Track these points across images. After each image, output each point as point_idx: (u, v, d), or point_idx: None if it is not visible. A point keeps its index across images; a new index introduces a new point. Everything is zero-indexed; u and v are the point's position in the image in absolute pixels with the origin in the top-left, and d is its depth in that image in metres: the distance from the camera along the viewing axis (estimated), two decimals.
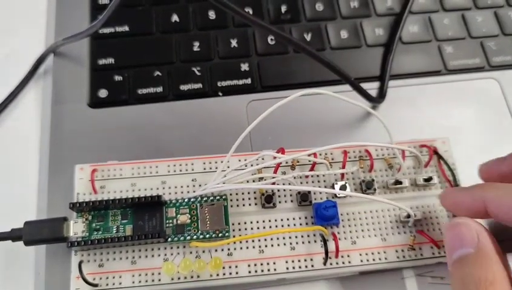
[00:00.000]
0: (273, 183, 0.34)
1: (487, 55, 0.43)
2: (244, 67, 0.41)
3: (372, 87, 0.41)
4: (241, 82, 0.40)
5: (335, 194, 0.34)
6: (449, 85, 0.42)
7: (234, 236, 0.33)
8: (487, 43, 0.44)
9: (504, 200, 0.26)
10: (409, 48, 0.43)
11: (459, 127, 0.39)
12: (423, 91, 0.41)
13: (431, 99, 0.41)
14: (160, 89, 0.39)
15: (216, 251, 0.32)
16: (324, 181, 0.35)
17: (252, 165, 0.33)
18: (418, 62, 0.43)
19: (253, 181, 0.34)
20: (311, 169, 0.35)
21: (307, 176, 0.35)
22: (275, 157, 0.33)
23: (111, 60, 0.40)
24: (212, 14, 0.42)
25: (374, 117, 0.39)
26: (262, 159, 0.34)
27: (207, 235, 0.32)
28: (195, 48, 0.41)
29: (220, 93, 0.40)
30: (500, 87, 0.42)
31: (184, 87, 0.39)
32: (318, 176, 0.35)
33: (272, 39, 0.42)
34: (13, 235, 0.32)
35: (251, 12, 0.43)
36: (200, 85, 0.40)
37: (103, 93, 0.39)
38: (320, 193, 0.35)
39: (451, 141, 0.37)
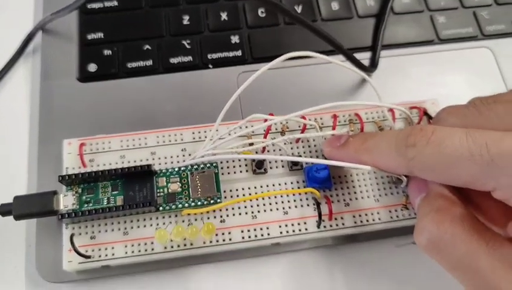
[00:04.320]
0: (264, 149, 0.31)
1: (480, 25, 0.40)
2: (235, 39, 0.38)
3: (364, 57, 0.37)
4: (231, 54, 0.37)
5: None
6: (442, 54, 0.39)
7: None
8: (480, 13, 0.40)
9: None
10: (401, 18, 0.40)
11: (452, 95, 0.36)
12: (416, 61, 0.38)
13: (423, 69, 0.38)
14: (149, 62, 0.36)
15: (208, 218, 0.30)
16: (315, 146, 0.32)
17: (240, 128, 0.30)
18: (410, 32, 0.39)
19: (243, 147, 0.31)
20: (302, 133, 0.32)
21: (297, 140, 0.32)
22: (265, 121, 0.30)
23: (100, 35, 0.37)
24: None
25: (366, 86, 0.36)
26: (252, 126, 0.31)
27: (199, 203, 0.29)
28: (185, 22, 0.38)
29: (210, 66, 0.36)
30: (493, 56, 0.39)
31: (174, 60, 0.36)
32: (308, 140, 0.32)
33: (262, 12, 0.39)
34: (3, 210, 0.29)
35: None
36: (190, 58, 0.36)
37: (92, 67, 0.36)
38: (311, 156, 0.32)
39: (440, 102, 0.33)
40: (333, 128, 0.32)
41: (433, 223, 0.23)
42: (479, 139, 0.22)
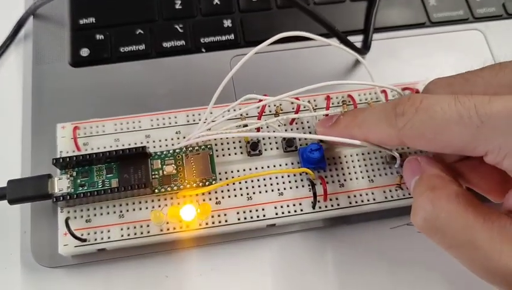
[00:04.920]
0: (258, 130, 0.31)
1: (471, 7, 0.40)
2: (227, 23, 0.37)
3: (356, 40, 0.37)
4: (224, 38, 0.37)
5: (320, 140, 0.31)
6: (433, 37, 0.39)
7: None
8: None
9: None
10: (392, 1, 0.40)
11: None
12: (408, 43, 0.38)
13: (415, 51, 0.38)
14: (142, 47, 0.36)
15: (204, 200, 0.29)
16: (309, 127, 0.32)
17: (234, 110, 0.30)
18: (402, 15, 0.39)
19: (237, 129, 0.31)
20: (296, 113, 0.31)
21: (291, 121, 0.32)
22: (259, 101, 0.29)
23: (91, 20, 0.36)
24: None
25: (359, 68, 0.36)
26: (246, 108, 0.31)
27: (194, 185, 0.29)
28: (177, 6, 0.37)
29: (203, 50, 0.36)
30: (484, 38, 0.39)
31: (167, 44, 0.36)
32: (302, 122, 0.32)
33: None
34: None
35: None
36: (182, 42, 0.36)
37: (84, 52, 0.35)
38: (305, 138, 0.32)
39: None
40: (327, 109, 0.32)
41: (428, 202, 0.23)
42: (467, 102, 0.22)
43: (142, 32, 0.36)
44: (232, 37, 0.37)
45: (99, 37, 0.36)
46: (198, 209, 0.28)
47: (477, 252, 0.22)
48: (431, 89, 0.27)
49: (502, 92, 0.23)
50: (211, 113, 0.30)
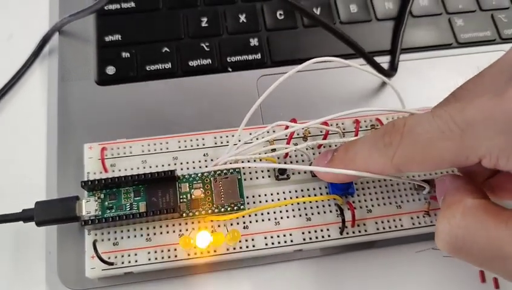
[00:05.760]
0: (286, 155, 0.31)
1: (498, 28, 0.39)
2: (254, 42, 0.37)
3: (383, 61, 0.37)
4: (250, 57, 0.37)
5: None
6: (460, 58, 0.38)
7: (249, 209, 0.29)
8: (498, 16, 0.40)
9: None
10: (419, 21, 0.39)
11: None
12: (435, 64, 0.38)
13: (442, 72, 0.37)
14: (168, 65, 0.35)
15: (231, 224, 0.29)
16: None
17: (263, 137, 0.30)
18: (429, 35, 0.39)
19: (266, 153, 0.30)
20: (324, 138, 0.31)
21: (319, 146, 0.31)
22: (286, 128, 0.29)
23: (117, 37, 0.36)
24: None
25: (386, 90, 0.36)
26: (274, 131, 0.30)
27: (222, 209, 0.29)
28: (203, 24, 0.37)
29: (230, 69, 0.36)
30: None
31: (193, 63, 0.36)
32: (330, 146, 0.32)
33: (280, 14, 0.38)
34: (25, 216, 0.28)
35: None
36: (209, 61, 0.36)
37: (110, 70, 0.35)
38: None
39: None
40: (356, 134, 0.32)
41: (444, 222, 0.22)
42: (444, 115, 0.21)
43: (168, 50, 0.36)
44: (258, 56, 0.36)
45: (125, 54, 0.36)
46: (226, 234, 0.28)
47: (510, 261, 0.20)
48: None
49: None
50: (239, 135, 0.30)
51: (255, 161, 0.30)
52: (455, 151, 0.21)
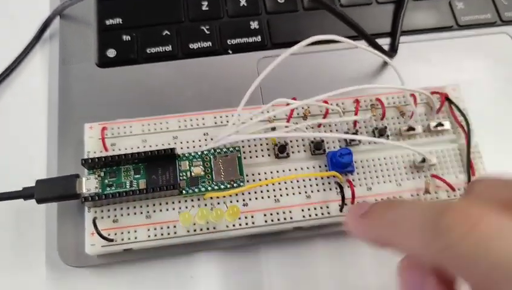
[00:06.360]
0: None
1: (498, 10, 0.39)
2: (254, 25, 0.37)
3: (383, 43, 0.37)
4: (251, 40, 0.37)
5: (348, 143, 0.31)
6: (460, 40, 0.38)
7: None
8: None
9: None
10: (420, 4, 0.39)
11: (470, 81, 0.36)
12: (435, 47, 0.38)
13: (442, 55, 0.37)
14: (169, 48, 0.36)
15: (231, 202, 0.29)
16: (337, 130, 0.32)
17: (262, 113, 0.30)
18: (429, 18, 0.39)
19: (265, 132, 0.30)
20: (324, 118, 0.31)
21: (319, 125, 0.31)
22: (287, 105, 0.29)
23: (118, 20, 0.36)
24: None
25: (387, 71, 0.36)
26: (273, 110, 0.30)
27: (222, 186, 0.29)
28: (204, 7, 0.37)
29: (230, 51, 0.36)
30: None
31: (193, 46, 0.36)
32: (330, 125, 0.32)
33: None
34: (25, 194, 0.28)
35: None
36: (209, 43, 0.36)
37: (111, 53, 0.35)
38: (333, 141, 0.31)
39: (461, 87, 0.33)
40: (355, 113, 0.32)
41: None
42: None
43: (169, 33, 0.36)
44: (258, 39, 0.37)
45: (126, 38, 0.36)
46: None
47: None
48: (478, 191, 0.21)
49: None
50: (239, 115, 0.30)
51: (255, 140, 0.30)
52: None
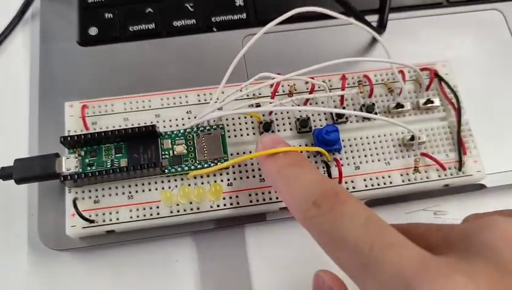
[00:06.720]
0: (271, 113, 0.30)
1: None
2: (239, 2, 0.36)
3: (372, 20, 0.36)
4: (236, 17, 0.36)
5: (334, 121, 0.30)
6: (451, 17, 0.37)
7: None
8: None
9: None
10: None
11: (461, 57, 0.35)
12: (425, 23, 0.37)
13: (432, 32, 0.36)
14: (152, 26, 0.35)
15: (215, 181, 0.28)
16: (323, 107, 0.31)
17: (247, 88, 0.29)
18: None
19: (250, 108, 0.30)
20: (310, 94, 0.30)
21: (305, 101, 0.31)
22: (272, 79, 0.28)
23: None
24: None
25: (375, 48, 0.35)
26: (259, 86, 0.30)
27: (205, 165, 0.28)
28: None
29: (215, 29, 0.35)
30: (504, 19, 0.37)
31: (177, 23, 0.35)
32: (316, 103, 0.31)
33: None
34: (3, 174, 0.28)
35: None
36: (193, 21, 0.35)
37: (93, 31, 0.34)
38: (320, 119, 0.31)
39: (451, 64, 0.32)
40: (342, 89, 0.31)
41: None
42: None
43: (152, 10, 0.35)
44: (244, 16, 0.36)
45: (108, 15, 0.35)
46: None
47: None
48: None
49: None
50: (223, 92, 0.29)
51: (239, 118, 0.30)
52: None
